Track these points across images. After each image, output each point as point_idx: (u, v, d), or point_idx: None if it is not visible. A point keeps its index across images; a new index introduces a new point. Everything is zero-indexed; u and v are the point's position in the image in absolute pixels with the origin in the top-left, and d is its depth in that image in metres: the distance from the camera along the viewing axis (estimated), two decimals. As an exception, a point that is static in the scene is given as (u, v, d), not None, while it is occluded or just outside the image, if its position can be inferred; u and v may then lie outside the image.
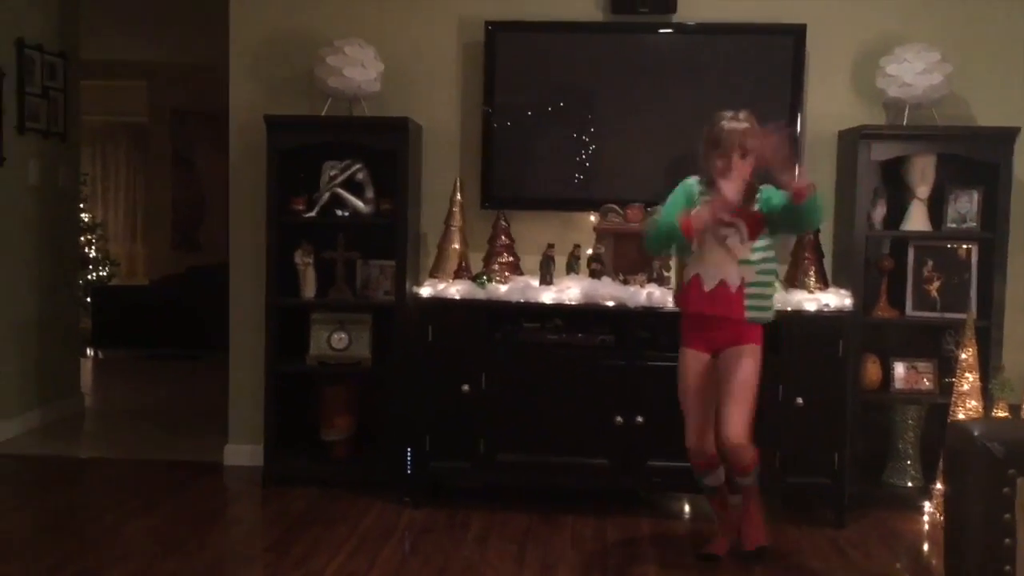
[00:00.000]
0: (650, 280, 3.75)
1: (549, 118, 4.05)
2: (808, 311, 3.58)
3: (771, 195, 3.00)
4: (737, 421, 3.00)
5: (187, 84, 8.78)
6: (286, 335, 3.97)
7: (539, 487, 3.81)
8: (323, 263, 3.97)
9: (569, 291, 3.69)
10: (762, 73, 3.96)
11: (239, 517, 3.79)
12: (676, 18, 4.00)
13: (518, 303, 3.69)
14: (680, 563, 3.19)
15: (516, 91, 4.05)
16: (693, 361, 3.12)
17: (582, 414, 3.64)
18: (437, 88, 4.15)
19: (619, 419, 3.60)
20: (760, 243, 3.03)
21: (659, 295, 3.62)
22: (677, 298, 3.21)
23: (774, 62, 3.94)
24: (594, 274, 3.81)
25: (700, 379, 3.11)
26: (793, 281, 3.77)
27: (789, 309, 3.57)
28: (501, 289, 3.71)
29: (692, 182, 3.12)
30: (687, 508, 3.82)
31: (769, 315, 3.09)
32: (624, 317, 3.65)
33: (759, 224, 3.02)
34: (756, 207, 3.02)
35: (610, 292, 3.66)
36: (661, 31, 4.02)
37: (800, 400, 3.54)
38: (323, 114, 3.96)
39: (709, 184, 3.06)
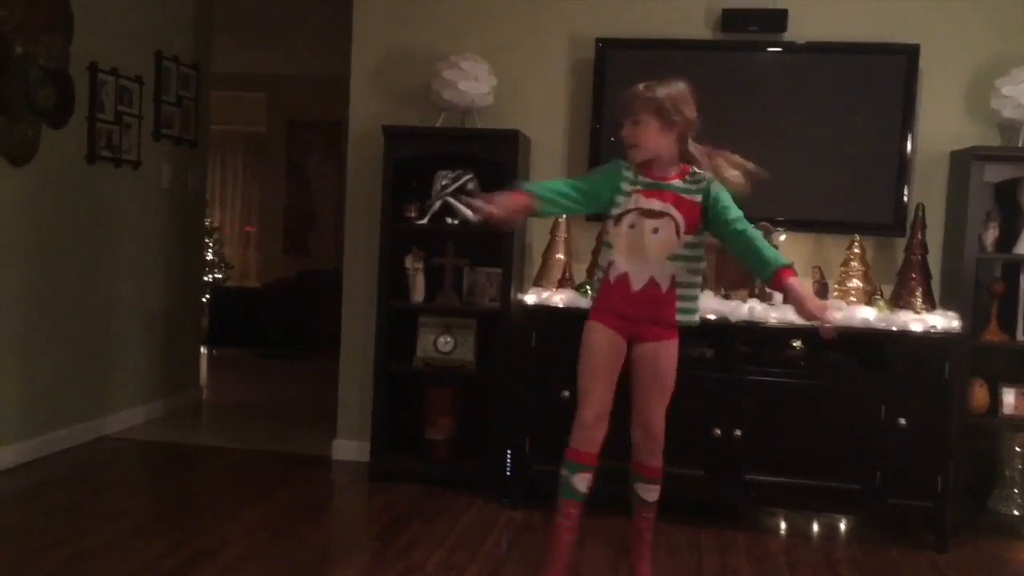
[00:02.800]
0: (752, 295, 3.79)
1: (656, 133, 4.12)
2: (914, 332, 3.55)
3: (720, 194, 2.71)
4: (662, 416, 2.83)
5: (303, 96, 9.17)
6: (394, 337, 4.13)
7: (635, 495, 3.86)
8: (432, 269, 4.12)
9: (671, 303, 3.75)
10: (873, 93, 3.94)
11: (346, 508, 3.96)
12: (786, 37, 4.03)
13: (620, 313, 3.76)
14: (775, 576, 3.21)
15: (624, 107, 4.14)
16: (605, 338, 2.78)
17: (680, 424, 3.65)
18: (546, 102, 4.27)
19: (717, 431, 3.64)
20: (693, 238, 2.74)
21: (761, 310, 3.66)
22: (598, 292, 2.84)
23: (886, 82, 3.92)
24: (696, 288, 3.87)
25: (611, 359, 2.78)
26: (899, 301, 3.74)
27: (895, 329, 3.56)
28: (604, 299, 3.79)
29: (620, 163, 2.79)
30: (783, 524, 3.82)
31: (696, 319, 2.82)
32: (724, 331, 3.68)
33: (697, 217, 2.71)
34: (698, 198, 2.71)
35: (711, 306, 3.70)
36: (770, 50, 4.05)
37: (903, 421, 3.52)
38: (438, 125, 4.13)
39: (640, 168, 2.75)
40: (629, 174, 2.76)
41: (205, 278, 8.66)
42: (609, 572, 3.16)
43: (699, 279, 2.83)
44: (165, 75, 5.05)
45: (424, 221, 4.09)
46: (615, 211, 2.75)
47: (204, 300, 7.70)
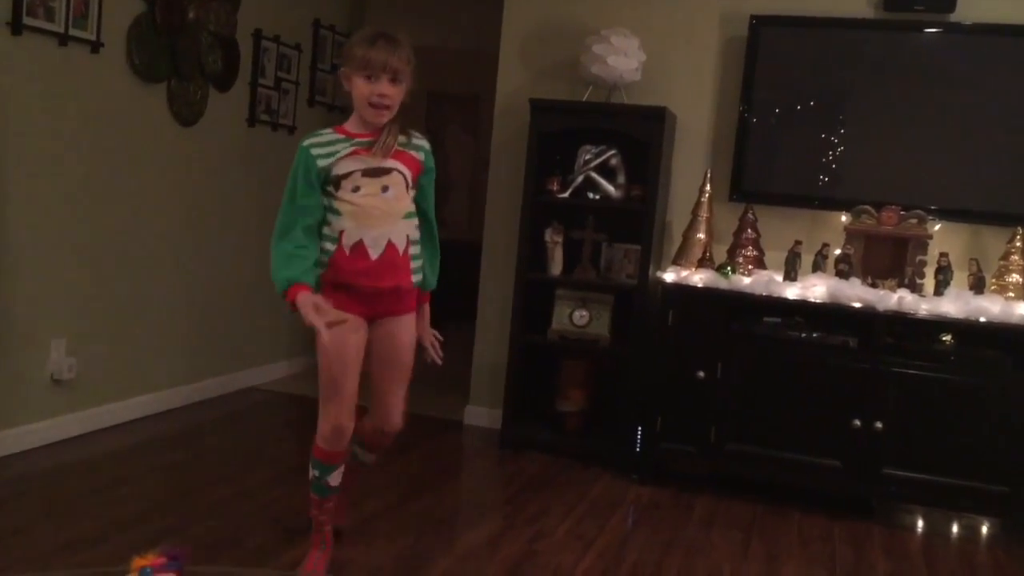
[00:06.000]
0: (901, 285, 3.67)
1: (806, 115, 4.02)
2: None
3: (434, 167, 2.55)
4: (401, 404, 2.67)
5: (444, 68, 9.29)
6: (530, 309, 4.18)
7: (766, 480, 3.82)
8: (571, 243, 4.16)
9: (814, 289, 3.67)
10: (1046, 78, 3.75)
11: (477, 472, 4.06)
12: (954, 17, 3.85)
13: (760, 296, 3.70)
14: None
15: (775, 86, 4.05)
16: (352, 332, 2.47)
17: (817, 413, 3.62)
18: (695, 80, 4.22)
19: (856, 423, 3.55)
20: (416, 194, 2.52)
21: (911, 301, 3.54)
22: (330, 269, 2.47)
23: (1061, 67, 3.72)
24: (841, 274, 3.76)
25: (359, 351, 2.51)
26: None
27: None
28: (744, 281, 3.75)
29: (308, 146, 2.42)
30: (920, 522, 3.71)
31: (421, 278, 2.58)
32: (870, 320, 3.58)
33: (418, 171, 2.49)
34: (420, 155, 2.49)
35: (857, 294, 3.60)
36: (934, 30, 3.88)
37: (1062, 424, 3.36)
38: (584, 100, 4.14)
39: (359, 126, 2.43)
40: (340, 144, 2.41)
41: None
42: (739, 554, 3.14)
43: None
44: (321, 43, 5.23)
45: (566, 195, 4.11)
46: (335, 175, 2.41)
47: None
